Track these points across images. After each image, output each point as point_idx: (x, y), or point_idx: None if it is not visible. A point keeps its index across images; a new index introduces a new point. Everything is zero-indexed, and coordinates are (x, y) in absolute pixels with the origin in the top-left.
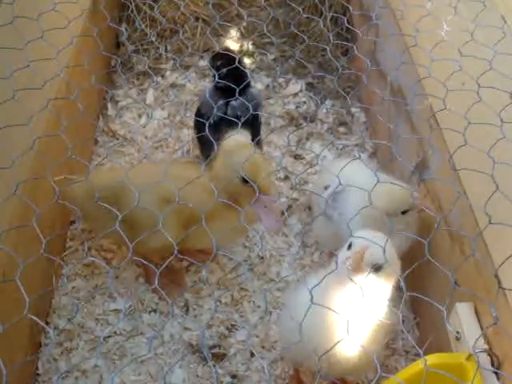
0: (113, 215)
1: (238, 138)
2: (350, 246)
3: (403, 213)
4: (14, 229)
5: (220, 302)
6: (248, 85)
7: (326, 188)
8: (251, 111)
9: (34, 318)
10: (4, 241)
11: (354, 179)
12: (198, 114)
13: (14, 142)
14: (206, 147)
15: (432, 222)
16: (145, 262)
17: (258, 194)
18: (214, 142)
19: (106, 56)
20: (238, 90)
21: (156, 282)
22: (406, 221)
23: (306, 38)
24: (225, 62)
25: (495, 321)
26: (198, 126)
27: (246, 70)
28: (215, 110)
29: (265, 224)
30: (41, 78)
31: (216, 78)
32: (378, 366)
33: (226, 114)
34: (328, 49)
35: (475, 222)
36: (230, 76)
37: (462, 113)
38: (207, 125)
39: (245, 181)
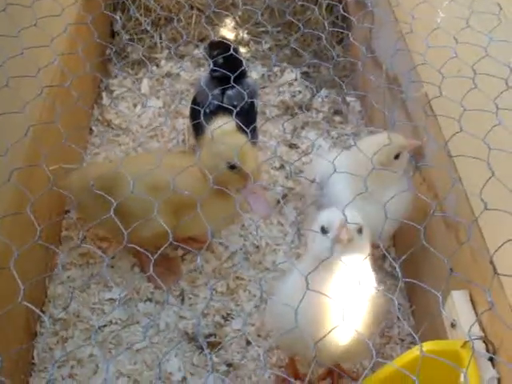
0: (106, 205)
1: (223, 125)
2: (323, 230)
3: (396, 158)
4: (10, 218)
5: (216, 290)
6: (244, 74)
7: (313, 181)
8: (247, 100)
9: (29, 305)
10: None
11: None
12: (194, 103)
13: (9, 129)
14: (201, 137)
15: (427, 208)
16: (140, 249)
17: (245, 181)
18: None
19: (100, 45)
20: (233, 78)
21: (151, 269)
22: (402, 166)
23: (301, 25)
24: (221, 51)
25: (490, 306)
26: (194, 115)
27: (242, 59)
28: (211, 99)
29: (254, 210)
30: (35, 66)
31: (211, 67)
32: (373, 350)
33: (222, 103)
34: (323, 37)
35: (470, 210)
36: (226, 65)
37: (458, 100)
38: (203, 114)
39: (232, 167)
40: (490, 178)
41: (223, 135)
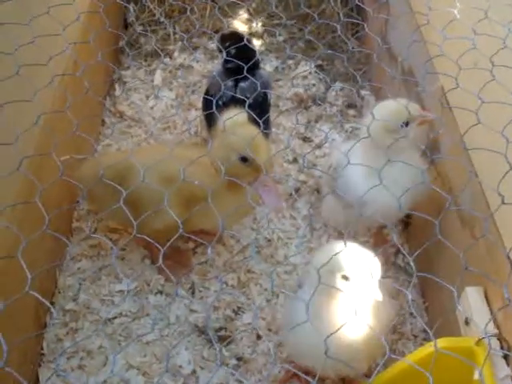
0: (118, 196)
1: (234, 116)
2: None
3: (405, 125)
4: (20, 208)
5: (226, 284)
6: (257, 66)
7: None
8: (260, 92)
9: (36, 294)
10: (9, 219)
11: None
12: (207, 94)
13: (20, 118)
14: (214, 128)
15: (441, 203)
16: (150, 241)
17: (257, 173)
18: None
19: (113, 36)
20: (246, 69)
21: (160, 260)
22: (409, 136)
23: (316, 16)
24: (233, 42)
25: (507, 302)
26: (207, 107)
27: (255, 50)
28: (224, 91)
29: (266, 203)
30: (47, 55)
31: (224, 58)
32: (387, 347)
33: (235, 94)
34: (338, 28)
35: (486, 205)
36: (239, 56)
37: (475, 92)
38: (215, 105)
39: (243, 160)
40: (508, 171)
41: (235, 126)
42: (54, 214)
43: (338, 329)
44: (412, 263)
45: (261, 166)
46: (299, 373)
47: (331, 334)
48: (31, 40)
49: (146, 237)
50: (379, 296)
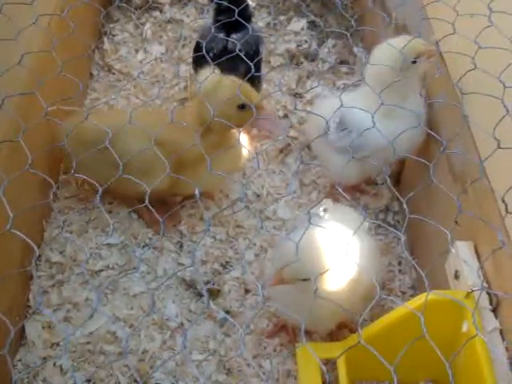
0: (103, 158)
1: (214, 74)
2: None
3: (413, 63)
4: (5, 153)
5: (215, 238)
6: (249, 19)
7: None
8: (252, 45)
9: (18, 233)
10: None
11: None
12: (197, 48)
13: (2, 58)
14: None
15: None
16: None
17: (258, 113)
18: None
19: None
20: (238, 22)
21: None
22: (418, 73)
23: None
24: None
25: (501, 245)
26: (197, 61)
27: (248, 2)
28: (215, 44)
29: (273, 133)
30: None
31: (216, 10)
32: (378, 287)
33: (226, 47)
34: None
35: (478, 156)
36: (231, 8)
37: (471, 38)
38: (206, 56)
39: (241, 107)
40: (504, 115)
41: (218, 83)
42: (42, 162)
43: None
44: (405, 205)
45: (258, 104)
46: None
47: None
48: None
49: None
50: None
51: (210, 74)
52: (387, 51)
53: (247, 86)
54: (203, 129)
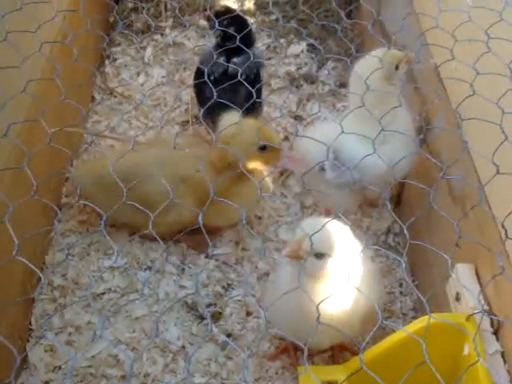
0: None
1: (235, 117)
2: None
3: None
4: (8, 178)
5: (217, 260)
6: (252, 43)
7: (322, 169)
8: (253, 68)
9: (23, 260)
10: None
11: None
12: (198, 72)
13: (7, 86)
14: (205, 104)
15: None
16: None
17: (279, 154)
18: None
19: (104, 10)
20: (240, 47)
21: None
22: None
23: None
24: (229, 20)
25: (501, 270)
26: (198, 84)
27: (251, 28)
28: (215, 67)
29: (298, 171)
30: (36, 22)
31: (215, 31)
32: (379, 311)
33: (226, 71)
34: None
35: (478, 180)
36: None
37: (470, 64)
38: (208, 82)
39: (263, 148)
40: (503, 141)
41: (241, 125)
42: (43, 184)
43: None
44: (406, 230)
45: (280, 147)
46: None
47: (322, 300)
48: (20, 7)
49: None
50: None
51: (230, 119)
52: (371, 60)
53: (267, 128)
54: (226, 166)
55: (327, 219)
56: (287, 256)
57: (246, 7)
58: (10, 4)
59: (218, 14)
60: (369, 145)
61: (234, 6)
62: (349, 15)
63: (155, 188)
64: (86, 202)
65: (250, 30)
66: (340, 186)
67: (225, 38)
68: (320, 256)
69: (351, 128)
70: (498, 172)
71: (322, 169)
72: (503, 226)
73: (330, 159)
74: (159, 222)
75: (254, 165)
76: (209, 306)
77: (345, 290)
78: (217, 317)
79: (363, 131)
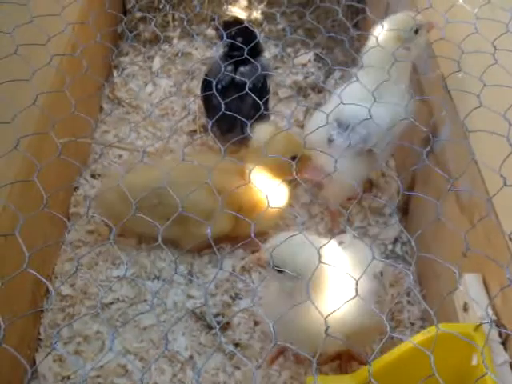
0: (158, 214)
1: (267, 128)
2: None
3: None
4: (18, 190)
5: (222, 269)
6: (259, 53)
7: (330, 140)
8: (260, 77)
9: (34, 272)
10: (7, 200)
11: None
12: (205, 81)
13: (17, 98)
14: (213, 114)
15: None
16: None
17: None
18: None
19: (112, 21)
20: (247, 57)
21: None
22: (420, 44)
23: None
24: (237, 30)
25: (509, 283)
26: (205, 94)
27: (258, 38)
28: (223, 76)
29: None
30: (45, 35)
31: (224, 42)
32: (387, 324)
33: (234, 80)
34: (339, 10)
35: (485, 191)
36: (243, 44)
37: (477, 76)
38: (214, 90)
39: (293, 158)
40: (510, 154)
41: (274, 137)
42: (52, 195)
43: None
44: (413, 243)
45: (307, 155)
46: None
47: (331, 312)
48: (29, 20)
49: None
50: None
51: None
52: (399, 17)
53: (296, 139)
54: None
55: (298, 235)
56: (250, 261)
57: (253, 17)
58: (20, 17)
59: (226, 25)
60: (369, 101)
61: (242, 15)
62: (356, 25)
63: (191, 200)
64: (95, 214)
65: (258, 40)
66: (352, 150)
67: (232, 48)
68: (280, 270)
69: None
70: (505, 184)
71: (330, 140)
72: (510, 238)
73: (334, 126)
74: (196, 234)
75: (282, 174)
76: (217, 315)
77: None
78: (224, 327)
79: (367, 85)
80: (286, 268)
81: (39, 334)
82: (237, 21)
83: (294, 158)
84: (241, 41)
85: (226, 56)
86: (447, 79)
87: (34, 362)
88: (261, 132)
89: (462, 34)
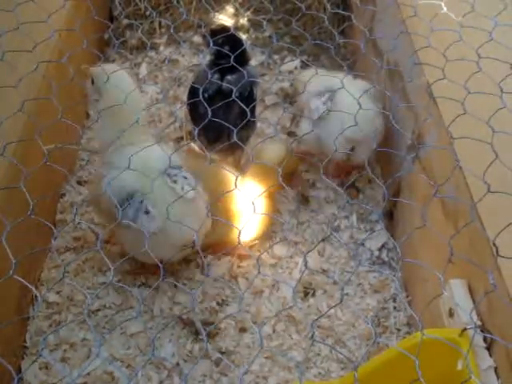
0: None
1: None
2: None
3: None
4: (4, 196)
5: (209, 276)
6: (246, 62)
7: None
8: (246, 86)
9: (20, 279)
10: None
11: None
12: (192, 89)
13: (3, 105)
14: (199, 123)
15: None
16: None
17: None
18: (209, 116)
19: (99, 28)
20: (234, 65)
21: None
22: None
23: (303, 7)
24: (224, 38)
25: (493, 288)
26: (192, 102)
27: (246, 46)
28: (209, 84)
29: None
30: (32, 42)
31: (211, 49)
32: (374, 331)
33: (220, 88)
34: (325, 18)
35: (470, 196)
36: (230, 51)
37: (461, 83)
38: (201, 98)
39: None
40: (494, 160)
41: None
42: (39, 202)
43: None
44: (399, 249)
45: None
46: None
47: None
48: (16, 27)
49: None
50: None
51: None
52: None
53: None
54: None
55: None
56: None
57: (239, 24)
58: (7, 24)
59: (213, 32)
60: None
61: (229, 23)
62: (342, 33)
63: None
64: (81, 220)
65: (245, 48)
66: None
67: (219, 55)
68: None
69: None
70: (489, 190)
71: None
72: (494, 244)
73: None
74: None
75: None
76: (205, 323)
77: None
78: (212, 333)
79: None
80: None
81: (25, 341)
82: (224, 29)
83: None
84: (228, 49)
85: (213, 64)
86: (432, 86)
87: (20, 370)
88: (274, 152)
89: (447, 41)
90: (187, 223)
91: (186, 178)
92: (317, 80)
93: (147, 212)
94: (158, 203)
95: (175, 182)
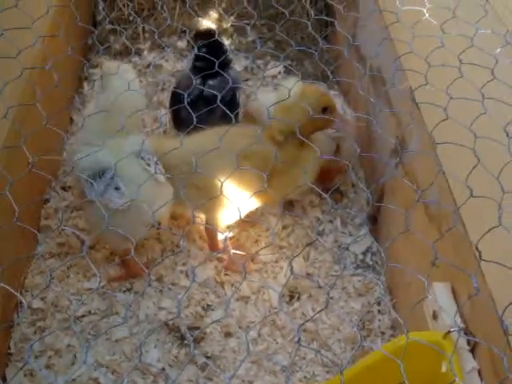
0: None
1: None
2: None
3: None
4: None
5: (195, 281)
6: (228, 65)
7: None
8: (229, 90)
9: (5, 286)
10: None
11: None
12: (174, 93)
13: None
14: (182, 127)
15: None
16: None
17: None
18: (192, 121)
19: (82, 33)
20: (216, 69)
21: None
22: None
23: (286, 12)
24: (207, 40)
25: (476, 292)
26: (174, 105)
27: (227, 49)
28: (191, 89)
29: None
30: (16, 48)
31: (195, 55)
32: (359, 335)
33: (202, 93)
34: (309, 24)
35: (453, 201)
36: (211, 54)
37: (443, 89)
38: (184, 103)
39: (324, 110)
40: (475, 165)
41: (303, 89)
42: (24, 213)
43: None
44: (383, 253)
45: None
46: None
47: None
48: (0, 33)
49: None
50: None
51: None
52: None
53: (325, 92)
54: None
55: None
56: None
57: (223, 29)
58: None
59: (198, 34)
60: None
61: (212, 27)
62: (325, 38)
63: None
64: (66, 227)
65: (226, 53)
66: None
67: (198, 58)
68: None
69: None
70: (471, 195)
71: None
72: (477, 248)
73: None
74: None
75: (313, 129)
76: (190, 328)
77: None
78: (198, 338)
79: None
80: None
81: (9, 348)
82: (209, 31)
83: (325, 110)
84: (209, 53)
85: (195, 68)
86: (415, 92)
87: (5, 378)
88: (291, 85)
89: (429, 48)
90: (155, 204)
91: (157, 163)
92: None
93: (117, 188)
94: (129, 182)
95: (149, 165)
